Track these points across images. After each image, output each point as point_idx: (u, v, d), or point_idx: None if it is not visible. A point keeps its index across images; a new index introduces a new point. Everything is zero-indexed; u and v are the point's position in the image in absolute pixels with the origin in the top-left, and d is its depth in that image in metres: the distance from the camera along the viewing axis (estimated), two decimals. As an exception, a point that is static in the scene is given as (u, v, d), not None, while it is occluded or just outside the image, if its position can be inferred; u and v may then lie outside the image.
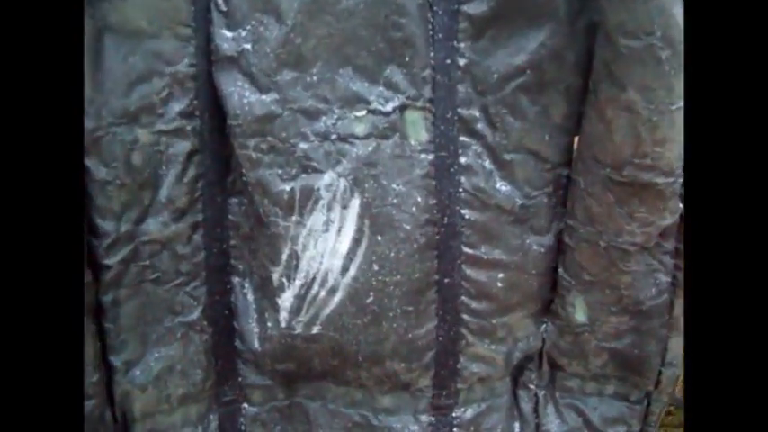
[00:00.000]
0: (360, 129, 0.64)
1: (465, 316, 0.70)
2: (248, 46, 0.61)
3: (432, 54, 0.63)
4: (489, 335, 0.72)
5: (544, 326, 0.76)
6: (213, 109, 0.64)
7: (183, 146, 0.64)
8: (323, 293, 0.67)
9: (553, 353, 0.76)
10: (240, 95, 0.62)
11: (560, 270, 0.72)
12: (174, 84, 0.62)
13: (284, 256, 0.66)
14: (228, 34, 0.61)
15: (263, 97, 0.62)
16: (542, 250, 0.70)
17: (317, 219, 0.65)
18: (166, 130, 0.63)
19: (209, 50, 0.61)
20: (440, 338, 0.71)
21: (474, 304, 0.70)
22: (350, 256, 0.66)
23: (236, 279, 0.70)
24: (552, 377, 0.77)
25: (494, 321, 0.71)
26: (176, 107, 0.62)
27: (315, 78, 0.63)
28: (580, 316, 0.72)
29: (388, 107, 0.63)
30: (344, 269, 0.67)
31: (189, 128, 0.63)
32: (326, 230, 0.66)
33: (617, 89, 0.60)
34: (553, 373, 0.76)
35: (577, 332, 0.73)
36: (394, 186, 0.65)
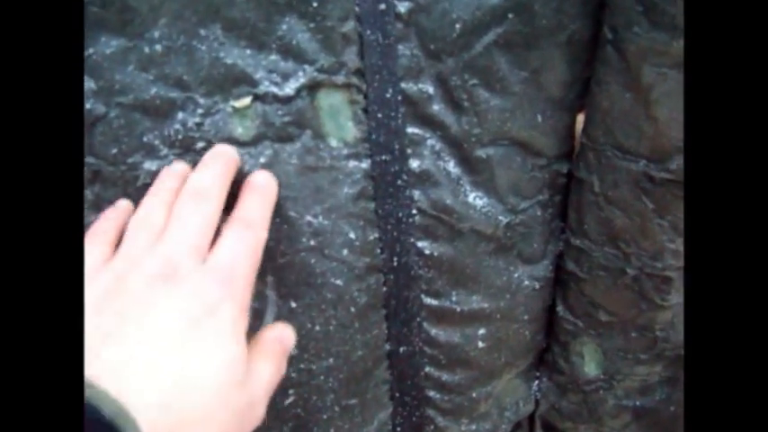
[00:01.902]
0: (243, 128, 0.38)
1: (432, 393, 0.47)
2: None
3: (354, -5, 0.38)
4: (467, 413, 0.49)
5: (536, 383, 0.53)
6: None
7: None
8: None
9: (552, 416, 0.54)
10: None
11: (560, 308, 0.49)
12: None
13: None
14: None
15: (69, 87, 0.36)
16: (536, 286, 0.47)
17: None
18: None
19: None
20: (398, 429, 0.47)
21: (445, 376, 0.46)
22: (248, 336, 0.41)
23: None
24: (551, 449, 0.55)
25: (473, 395, 0.48)
26: None
27: (157, 48, 0.36)
28: (592, 369, 0.50)
29: (289, 88, 0.38)
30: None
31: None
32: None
33: (662, 33, 0.37)
34: (552, 443, 0.55)
35: (587, 390, 0.51)
36: (309, 219, 0.40)
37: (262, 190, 0.38)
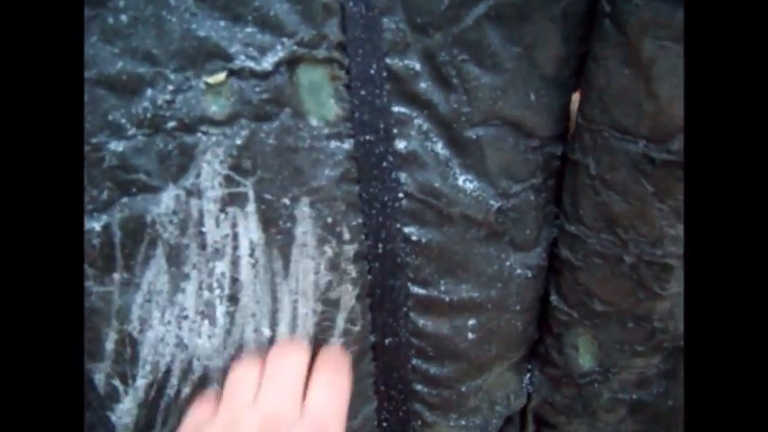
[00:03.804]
0: (217, 106, 0.36)
1: (419, 387, 0.45)
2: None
3: (335, -37, 0.35)
4: (456, 407, 0.46)
5: (528, 376, 0.51)
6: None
7: None
8: (187, 390, 0.39)
9: (544, 410, 0.52)
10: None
11: (554, 298, 0.47)
12: None
13: (110, 344, 0.38)
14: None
15: (27, 60, 0.33)
16: (529, 274, 0.45)
17: (157, 273, 0.37)
18: None
19: None
20: (384, 425, 0.45)
21: (433, 369, 0.44)
22: (227, 329, 0.39)
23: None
24: (544, 444, 0.53)
25: (462, 389, 0.46)
26: None
27: (123, 18, 0.34)
28: (586, 361, 0.48)
29: (267, 63, 0.36)
30: (223, 348, 0.39)
31: None
32: (178, 290, 0.38)
33: (664, 3, 0.34)
34: (545, 438, 0.53)
35: (582, 383, 0.49)
36: (285, 202, 0.37)
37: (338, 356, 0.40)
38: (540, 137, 0.41)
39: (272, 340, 0.39)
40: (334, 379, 0.38)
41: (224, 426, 0.35)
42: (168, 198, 0.36)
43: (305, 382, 0.37)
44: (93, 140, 0.35)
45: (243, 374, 0.37)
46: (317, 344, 0.40)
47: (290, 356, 0.38)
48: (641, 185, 0.39)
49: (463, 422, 0.47)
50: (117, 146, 0.35)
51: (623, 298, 0.44)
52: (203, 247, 0.37)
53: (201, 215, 0.37)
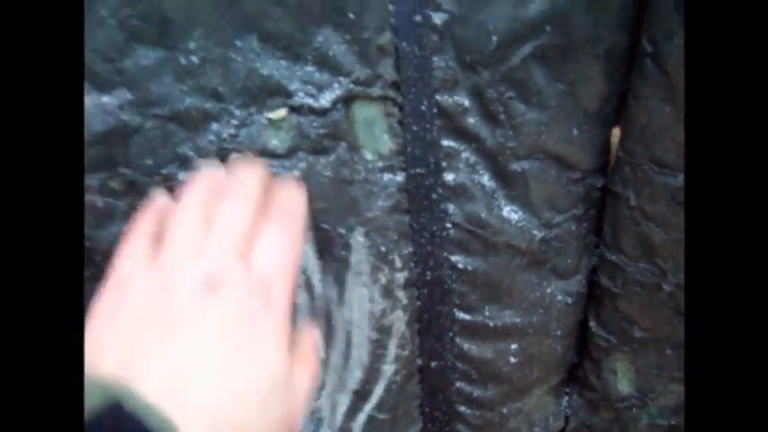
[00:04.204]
0: (278, 140, 0.38)
1: (462, 409, 0.46)
2: (67, 8, 0.34)
3: (391, 7, 0.37)
4: (497, 429, 0.48)
5: (567, 399, 0.53)
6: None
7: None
8: None
9: (581, 434, 0.53)
10: (61, 98, 0.35)
11: (592, 324, 0.48)
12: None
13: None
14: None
15: (105, 98, 0.36)
16: (569, 301, 0.46)
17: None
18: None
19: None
20: (426, 446, 0.47)
21: (476, 392, 0.46)
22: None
23: None
24: (581, 467, 0.54)
25: (504, 411, 0.47)
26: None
27: (193, 59, 0.36)
28: (624, 386, 0.49)
29: (324, 100, 0.38)
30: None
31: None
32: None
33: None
34: (583, 461, 0.54)
35: (620, 407, 0.50)
36: (341, 231, 0.39)
37: (294, 195, 0.37)
38: (581, 169, 0.43)
39: (325, 363, 0.41)
40: (284, 232, 0.35)
41: (158, 278, 0.33)
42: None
43: (251, 236, 0.34)
44: (164, 171, 0.37)
45: (186, 217, 0.35)
46: None
47: (236, 205, 0.35)
48: (680, 217, 0.41)
49: (503, 443, 0.49)
50: (184, 176, 0.37)
51: (661, 325, 0.45)
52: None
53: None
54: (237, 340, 0.31)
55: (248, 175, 0.36)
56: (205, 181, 0.36)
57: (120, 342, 0.31)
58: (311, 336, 0.37)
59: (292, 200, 0.37)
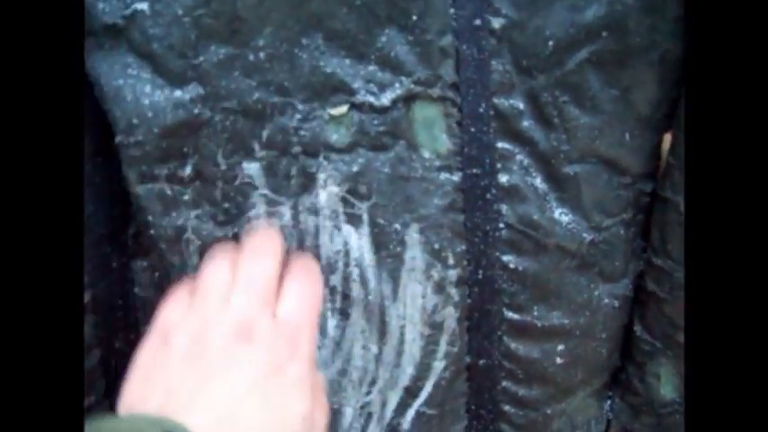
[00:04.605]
0: (338, 135, 0.39)
1: (507, 408, 0.47)
2: (144, 6, 0.36)
3: (452, 11, 0.38)
4: (540, 429, 0.48)
5: (609, 402, 0.53)
6: (92, 118, 0.38)
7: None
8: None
9: (622, 439, 0.53)
10: (136, 92, 0.37)
11: (637, 329, 0.49)
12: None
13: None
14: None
15: (177, 92, 0.37)
16: (615, 304, 0.47)
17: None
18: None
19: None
20: (471, 443, 0.47)
21: (521, 391, 0.46)
22: (338, 341, 0.42)
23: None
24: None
25: (548, 411, 0.48)
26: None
27: (261, 56, 0.38)
28: (668, 391, 0.49)
29: (386, 98, 0.39)
30: (331, 361, 0.42)
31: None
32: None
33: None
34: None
35: (662, 413, 0.50)
36: (397, 227, 0.40)
37: (310, 260, 0.40)
38: (632, 174, 0.44)
39: (378, 358, 0.42)
40: (305, 286, 0.38)
41: (195, 329, 0.36)
42: (288, 212, 0.40)
43: (276, 289, 0.38)
44: (229, 161, 0.39)
45: (215, 273, 0.38)
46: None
47: (260, 262, 0.38)
48: (730, 223, 0.41)
49: (545, 445, 0.49)
50: (248, 165, 0.39)
51: (707, 331, 0.45)
52: (318, 258, 0.41)
53: (318, 230, 0.40)
54: (268, 386, 0.34)
55: (270, 236, 0.39)
56: (226, 245, 0.40)
57: (166, 382, 0.34)
58: (320, 378, 0.40)
59: (309, 261, 0.40)
